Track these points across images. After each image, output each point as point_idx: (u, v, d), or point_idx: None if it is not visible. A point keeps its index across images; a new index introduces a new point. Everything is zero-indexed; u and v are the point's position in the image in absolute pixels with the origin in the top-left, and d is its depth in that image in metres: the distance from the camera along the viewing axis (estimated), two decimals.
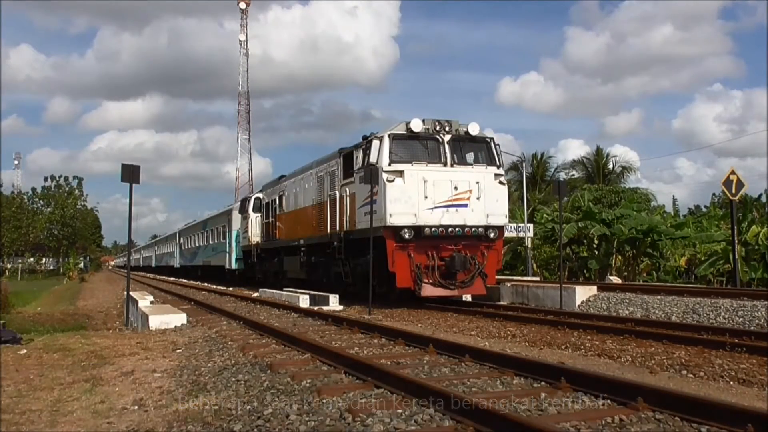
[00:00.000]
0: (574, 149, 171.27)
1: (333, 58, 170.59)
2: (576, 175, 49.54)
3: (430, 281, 13.76)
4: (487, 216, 14.28)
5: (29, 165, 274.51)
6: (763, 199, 33.05)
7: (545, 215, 33.65)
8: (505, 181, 15.03)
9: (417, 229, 13.70)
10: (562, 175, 48.54)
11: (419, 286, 13.67)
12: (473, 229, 14.11)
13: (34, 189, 72.87)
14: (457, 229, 13.95)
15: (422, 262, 13.78)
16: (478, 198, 14.21)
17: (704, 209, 42.00)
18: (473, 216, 14.14)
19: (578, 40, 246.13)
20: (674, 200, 38.90)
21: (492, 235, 14.36)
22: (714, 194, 44.08)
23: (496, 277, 15.65)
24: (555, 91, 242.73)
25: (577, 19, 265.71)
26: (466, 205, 14.13)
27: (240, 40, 78.36)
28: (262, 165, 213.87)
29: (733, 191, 18.97)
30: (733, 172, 19.10)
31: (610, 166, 49.58)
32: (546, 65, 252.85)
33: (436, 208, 13.88)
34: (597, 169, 49.07)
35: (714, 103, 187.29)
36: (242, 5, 78.16)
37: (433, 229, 13.75)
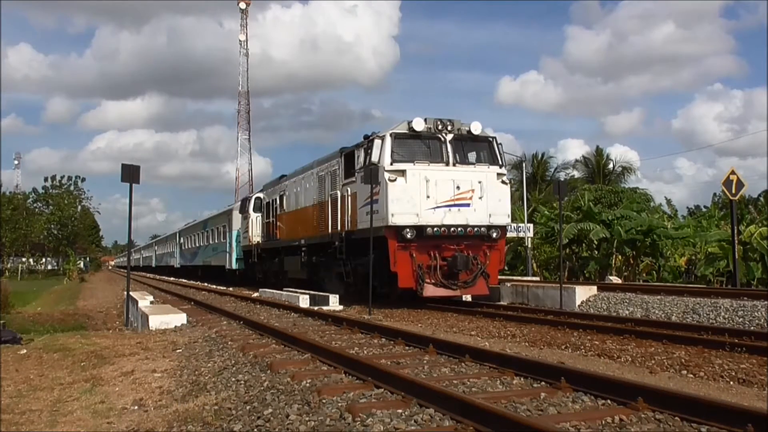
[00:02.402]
0: (574, 149, 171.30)
1: (333, 57, 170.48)
2: (576, 175, 49.58)
3: (432, 281, 13.68)
4: (490, 216, 14.21)
5: (28, 165, 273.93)
6: (762, 199, 33.08)
7: (545, 214, 33.62)
8: (507, 181, 14.97)
9: (419, 229, 13.61)
10: (562, 175, 48.55)
11: (421, 287, 13.59)
12: (476, 229, 14.03)
13: (34, 189, 72.92)
14: (459, 229, 13.88)
15: (424, 262, 13.70)
16: (481, 197, 14.14)
17: (704, 209, 41.94)
18: (475, 216, 14.07)
19: (578, 39, 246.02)
20: (668, 201, 38.62)
21: (494, 234, 14.29)
22: (715, 194, 43.99)
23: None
24: (555, 90, 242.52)
25: (578, 17, 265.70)
26: (468, 205, 14.06)
27: (240, 40, 78.33)
28: (261, 165, 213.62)
29: (733, 191, 18.97)
30: (733, 172, 19.09)
31: (611, 166, 49.62)
32: (546, 64, 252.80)
33: (438, 207, 13.82)
34: (597, 168, 49.10)
35: (714, 103, 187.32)
36: (242, 5, 78.09)
37: (435, 229, 13.68)
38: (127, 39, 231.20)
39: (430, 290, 13.67)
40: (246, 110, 78.00)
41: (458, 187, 14.01)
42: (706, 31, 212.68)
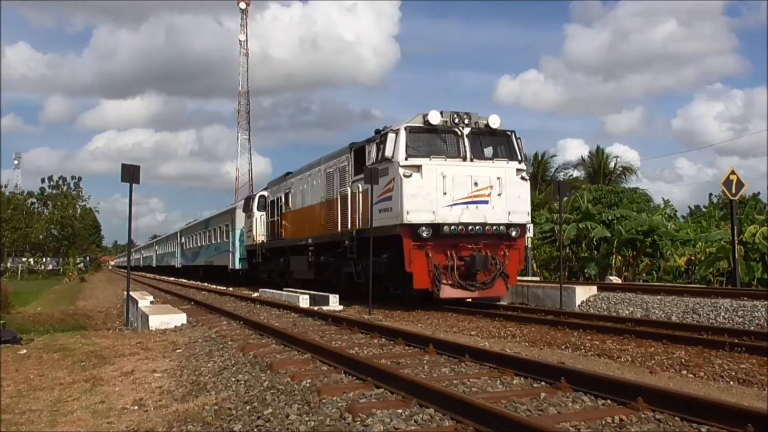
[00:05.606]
0: (574, 149, 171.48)
1: (333, 56, 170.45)
2: (576, 175, 49.55)
3: (449, 282, 13.12)
4: (509, 213, 13.64)
5: (26, 164, 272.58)
6: (763, 198, 33.03)
7: (545, 216, 33.60)
8: (527, 177, 14.36)
9: (435, 228, 13.05)
10: (562, 175, 48.51)
11: (438, 288, 13.05)
12: (494, 228, 13.45)
13: (31, 192, 72.91)
14: (477, 228, 13.30)
15: (441, 262, 13.14)
16: (499, 194, 13.57)
17: (704, 209, 41.88)
18: (494, 213, 13.50)
19: (579, 38, 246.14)
20: (666, 202, 38.49)
21: (514, 233, 13.75)
22: (711, 194, 43.88)
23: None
24: (555, 89, 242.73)
25: (578, 16, 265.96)
26: (486, 202, 13.50)
27: (240, 40, 78.20)
28: (261, 164, 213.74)
29: (733, 191, 18.95)
30: (733, 172, 19.06)
31: (611, 165, 49.59)
32: (546, 63, 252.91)
33: (455, 204, 13.24)
34: (597, 168, 49.07)
35: (715, 102, 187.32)
36: (242, 5, 77.94)
37: (452, 228, 13.10)
38: (126, 38, 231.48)
39: (447, 291, 13.14)
40: (246, 110, 77.93)
41: (476, 184, 13.45)
42: (708, 29, 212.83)
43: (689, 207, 52.71)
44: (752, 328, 10.23)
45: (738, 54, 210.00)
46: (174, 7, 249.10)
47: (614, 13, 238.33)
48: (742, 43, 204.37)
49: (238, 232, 29.09)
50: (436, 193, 13.20)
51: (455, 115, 13.83)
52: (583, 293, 14.43)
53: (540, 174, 49.15)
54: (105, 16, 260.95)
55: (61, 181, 71.20)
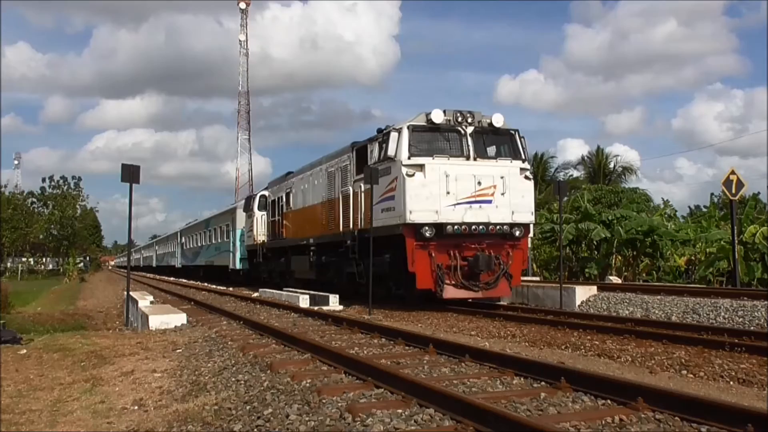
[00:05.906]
0: (574, 149, 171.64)
1: (332, 56, 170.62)
2: (576, 175, 49.56)
3: (453, 282, 13.06)
4: (513, 213, 13.54)
5: (26, 164, 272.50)
6: (763, 198, 33.00)
7: (545, 216, 33.58)
8: (531, 176, 14.25)
9: (438, 227, 12.98)
10: (562, 175, 48.50)
11: (441, 288, 12.98)
12: (498, 227, 13.39)
13: (31, 192, 72.84)
14: (480, 227, 13.22)
15: (444, 262, 13.07)
16: (503, 194, 13.48)
17: (704, 209, 41.85)
18: (498, 213, 13.41)
19: (579, 38, 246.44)
20: (665, 202, 38.42)
21: (518, 233, 13.69)
22: (712, 194, 43.88)
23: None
24: (555, 89, 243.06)
25: (578, 16, 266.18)
26: (490, 202, 13.40)
27: (240, 40, 78.27)
28: (261, 164, 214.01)
29: (733, 191, 18.94)
30: (733, 172, 19.05)
31: (611, 165, 49.60)
32: (546, 63, 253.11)
33: (458, 204, 13.13)
34: (597, 168, 49.08)
35: (715, 102, 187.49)
36: (242, 5, 78.01)
37: (455, 227, 13.02)
38: (126, 38, 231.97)
39: (451, 292, 13.06)
40: (246, 110, 77.99)
41: (479, 183, 13.33)
42: (708, 29, 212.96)
43: (689, 207, 52.68)
44: (752, 328, 10.23)
45: (738, 54, 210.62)
46: (174, 7, 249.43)
47: (614, 13, 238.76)
48: (742, 43, 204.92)
49: (238, 232, 29.03)
50: (439, 192, 13.11)
51: (458, 114, 13.73)
52: (583, 293, 14.41)
53: (540, 174, 49.14)
54: (105, 16, 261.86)
55: (61, 181, 71.20)
